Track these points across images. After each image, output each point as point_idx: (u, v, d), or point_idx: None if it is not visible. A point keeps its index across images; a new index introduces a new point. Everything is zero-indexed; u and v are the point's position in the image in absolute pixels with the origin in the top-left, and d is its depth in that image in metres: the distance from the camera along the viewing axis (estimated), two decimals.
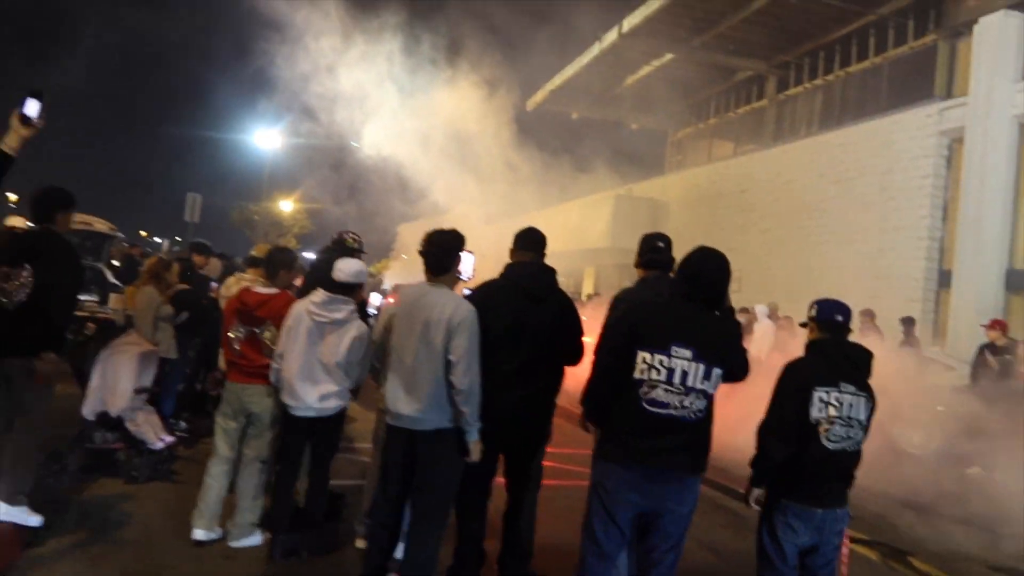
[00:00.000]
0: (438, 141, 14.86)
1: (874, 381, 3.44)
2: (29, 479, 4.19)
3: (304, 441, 4.36)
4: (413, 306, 3.62)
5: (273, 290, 4.50)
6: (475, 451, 3.55)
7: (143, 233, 66.83)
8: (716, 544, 5.37)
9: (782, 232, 16.83)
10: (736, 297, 13.69)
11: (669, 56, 20.18)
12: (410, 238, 22.65)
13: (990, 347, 8.97)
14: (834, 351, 3.44)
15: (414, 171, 15.21)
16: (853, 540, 5.87)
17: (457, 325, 3.49)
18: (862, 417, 3.33)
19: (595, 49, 20.50)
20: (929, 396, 9.70)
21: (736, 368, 3.26)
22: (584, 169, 21.99)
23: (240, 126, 32.10)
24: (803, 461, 3.28)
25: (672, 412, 3.08)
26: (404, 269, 20.54)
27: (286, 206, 32.44)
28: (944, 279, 13.59)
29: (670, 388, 3.07)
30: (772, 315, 12.15)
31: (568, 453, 5.72)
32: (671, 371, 3.08)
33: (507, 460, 4.02)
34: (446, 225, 3.82)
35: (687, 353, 3.09)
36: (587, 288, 23.21)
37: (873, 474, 8.03)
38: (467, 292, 4.06)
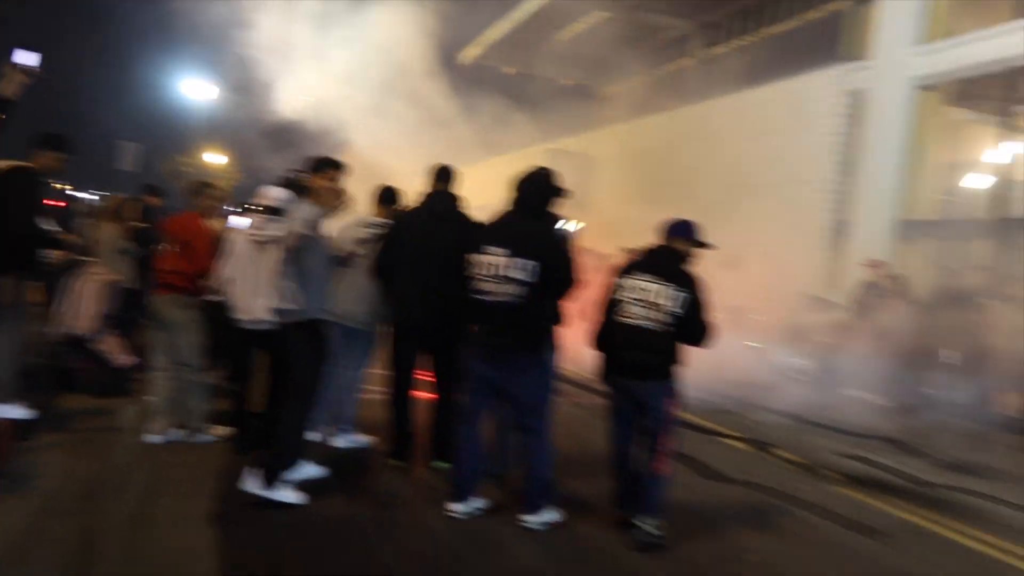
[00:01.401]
0: (370, 93, 15.22)
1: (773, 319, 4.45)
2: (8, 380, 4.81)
3: (249, 351, 4.79)
4: None
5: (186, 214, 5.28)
6: None
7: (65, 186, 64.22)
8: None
9: (705, 186, 17.82)
10: None
11: (601, 14, 20.85)
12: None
13: (870, 285, 10.15)
14: (648, 251, 4.27)
15: (344, 123, 15.52)
16: (729, 437, 6.95)
17: None
18: (663, 302, 4.02)
19: (529, 5, 21.02)
20: (818, 330, 10.94)
21: (554, 261, 4.05)
22: (515, 124, 22.61)
23: (166, 78, 31.40)
24: (610, 333, 4.16)
25: (495, 299, 4.00)
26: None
27: (215, 158, 32.30)
28: (844, 229, 14.83)
29: (489, 279, 4.01)
30: None
31: None
32: (490, 265, 4.02)
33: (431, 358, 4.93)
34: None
35: (502, 251, 4.01)
36: None
37: (760, 391, 9.26)
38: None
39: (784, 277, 12.63)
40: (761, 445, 6.73)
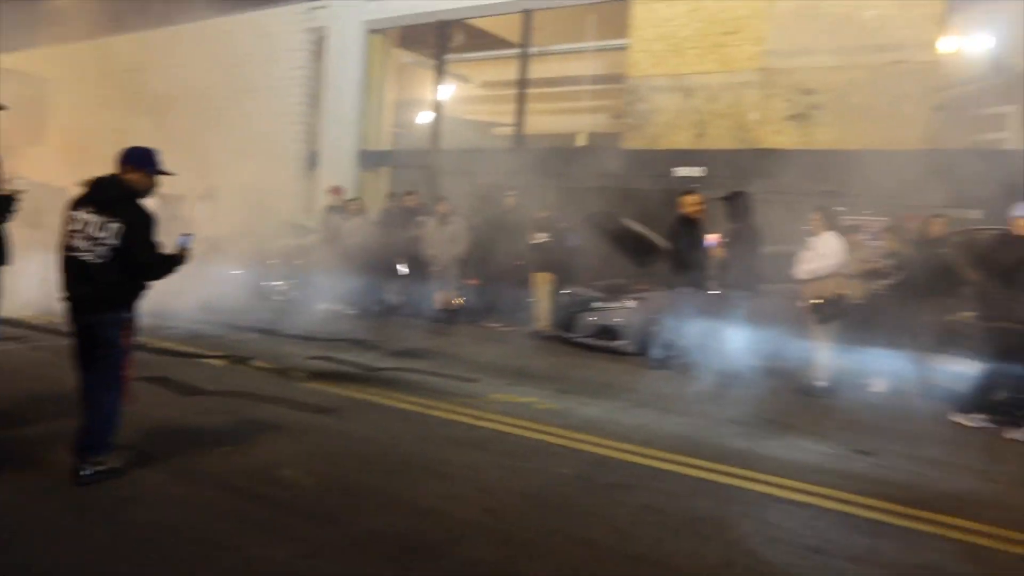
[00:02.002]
0: None
1: None
2: None
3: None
4: None
5: None
6: None
7: None
8: None
9: (174, 115, 17.17)
10: None
11: None
12: None
13: (333, 208, 11.32)
14: (94, 182, 4.12)
15: None
16: (209, 357, 7.32)
17: None
18: (101, 234, 3.95)
19: None
20: (295, 253, 11.79)
21: (131, 222, 3.99)
22: None
23: None
24: (63, 269, 4.06)
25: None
26: None
27: None
28: (314, 159, 15.95)
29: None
30: (159, 194, 12.76)
31: None
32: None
33: None
34: None
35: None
36: None
37: (241, 313, 9.75)
38: None
39: (263, 206, 13.17)
40: (240, 359, 7.26)
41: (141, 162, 4.18)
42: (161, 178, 4.27)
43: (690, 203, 7.99)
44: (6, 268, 4.80)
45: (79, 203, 4.09)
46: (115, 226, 3.97)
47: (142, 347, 7.37)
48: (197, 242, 4.57)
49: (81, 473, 3.94)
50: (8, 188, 4.74)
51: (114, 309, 4.09)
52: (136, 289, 4.17)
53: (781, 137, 11.51)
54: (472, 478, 4.34)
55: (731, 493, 4.33)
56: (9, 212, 4.67)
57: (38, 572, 3.04)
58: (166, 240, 4.20)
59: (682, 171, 12.09)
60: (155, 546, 3.25)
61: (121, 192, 4.08)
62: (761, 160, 11.42)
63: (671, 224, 8.10)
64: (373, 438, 5.02)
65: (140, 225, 4.05)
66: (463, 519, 3.72)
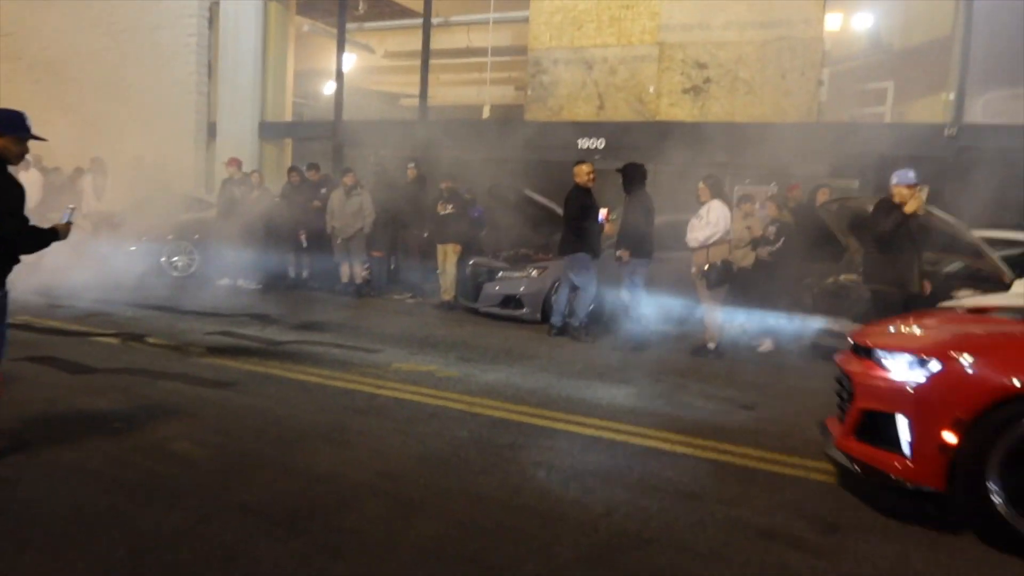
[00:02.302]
0: None
1: None
2: None
3: None
4: None
5: None
6: None
7: None
8: None
9: (57, 84, 16.25)
10: None
11: None
12: None
13: (231, 181, 11.05)
14: None
15: None
16: (101, 335, 7.11)
17: None
18: None
19: None
20: (194, 227, 11.47)
21: None
22: None
23: None
24: None
25: None
26: None
27: None
28: (212, 131, 15.43)
29: None
30: (40, 166, 12.13)
31: None
32: None
33: None
34: None
35: None
36: None
37: (138, 291, 9.48)
38: None
39: (159, 179, 12.71)
40: (134, 337, 7.07)
41: (8, 126, 3.86)
42: (34, 145, 4.07)
43: (584, 172, 8.19)
44: None
45: None
46: None
47: (27, 327, 7.11)
48: (87, 217, 4.43)
49: None
50: None
51: None
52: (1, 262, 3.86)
53: (677, 110, 11.88)
54: (369, 444, 4.42)
55: (620, 448, 4.57)
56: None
57: None
58: (54, 214, 4.08)
59: (584, 143, 12.33)
60: (38, 523, 3.21)
61: None
62: (658, 132, 11.77)
63: (567, 194, 8.29)
64: (270, 410, 5.02)
65: (2, 193, 3.78)
66: (357, 482, 3.81)
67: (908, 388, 3.55)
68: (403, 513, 3.48)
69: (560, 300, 8.38)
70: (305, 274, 11.15)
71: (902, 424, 3.55)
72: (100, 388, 5.34)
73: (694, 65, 11.76)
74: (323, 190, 10.77)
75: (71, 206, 4.23)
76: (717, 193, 7.64)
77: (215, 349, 6.76)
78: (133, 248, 10.95)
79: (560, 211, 9.34)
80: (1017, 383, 3.30)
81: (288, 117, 15.98)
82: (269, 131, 15.40)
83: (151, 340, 7.00)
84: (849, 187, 11.63)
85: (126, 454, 4.07)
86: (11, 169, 3.93)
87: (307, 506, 3.49)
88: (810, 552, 3.29)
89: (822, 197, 8.36)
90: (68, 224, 4.08)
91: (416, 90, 14.50)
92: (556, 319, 8.30)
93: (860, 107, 13.32)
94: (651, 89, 12.02)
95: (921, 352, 3.61)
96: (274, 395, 5.40)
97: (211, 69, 15.66)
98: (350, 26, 15.49)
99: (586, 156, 12.06)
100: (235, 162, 11.25)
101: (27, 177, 11.62)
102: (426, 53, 14.25)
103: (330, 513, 3.43)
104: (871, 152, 10.54)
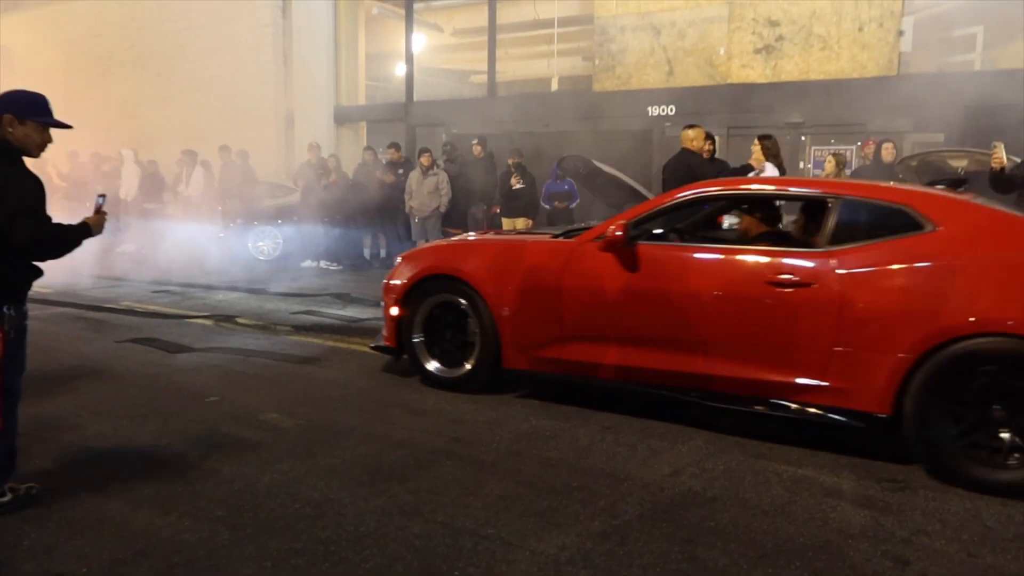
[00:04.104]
0: None
1: None
2: None
3: None
4: None
5: None
6: None
7: None
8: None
9: (144, 78, 17.10)
10: (105, 144, 13.80)
11: None
12: None
13: (310, 166, 11.47)
14: None
15: None
16: (195, 317, 7.56)
17: None
18: None
19: None
20: (277, 212, 11.95)
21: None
22: None
23: None
24: None
25: None
26: None
27: None
28: (290, 118, 15.95)
29: None
30: (137, 160, 12.86)
31: None
32: None
33: None
34: None
35: None
36: None
37: (229, 274, 9.98)
38: None
39: (244, 167, 13.24)
40: (225, 318, 7.51)
41: (30, 110, 3.20)
42: (131, 138, 3.93)
43: (692, 137, 7.14)
44: None
45: None
46: None
47: (131, 311, 7.66)
48: (185, 205, 4.48)
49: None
50: None
51: None
52: (16, 275, 3.22)
53: (749, 71, 11.62)
54: (443, 412, 4.63)
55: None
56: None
57: None
58: (151, 206, 4.33)
59: (654, 110, 12.22)
60: (149, 480, 3.53)
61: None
62: (730, 95, 11.56)
63: (673, 162, 7.20)
64: (351, 382, 5.30)
65: (15, 191, 3.11)
66: (433, 448, 4.02)
67: (390, 283, 5.29)
68: (475, 475, 3.66)
69: None
70: (383, 253, 11.50)
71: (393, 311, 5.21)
72: (196, 366, 5.74)
73: (766, 23, 11.46)
74: (400, 170, 11.05)
75: (102, 193, 3.67)
76: (772, 156, 7.06)
77: (300, 327, 7.11)
78: (222, 235, 11.53)
79: (632, 182, 9.34)
80: (435, 269, 5.07)
81: (362, 101, 16.37)
82: (344, 115, 15.83)
83: (241, 321, 7.42)
84: (935, 141, 11.16)
85: (221, 423, 4.40)
86: (131, 161, 3.18)
87: (387, 468, 3.72)
88: (876, 509, 3.31)
89: (887, 154, 8.07)
90: (101, 215, 3.42)
91: (485, 66, 14.62)
92: None
93: (947, 56, 12.69)
94: (721, 51, 11.78)
95: (399, 256, 5.61)
96: (355, 369, 5.68)
97: (286, 58, 16.15)
98: (418, 6, 15.69)
99: (656, 124, 11.98)
100: (313, 147, 11.65)
101: (126, 170, 12.37)
102: (492, 28, 14.33)
103: (408, 474, 3.65)
104: (957, 103, 10.07)
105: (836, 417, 3.82)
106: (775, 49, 11.44)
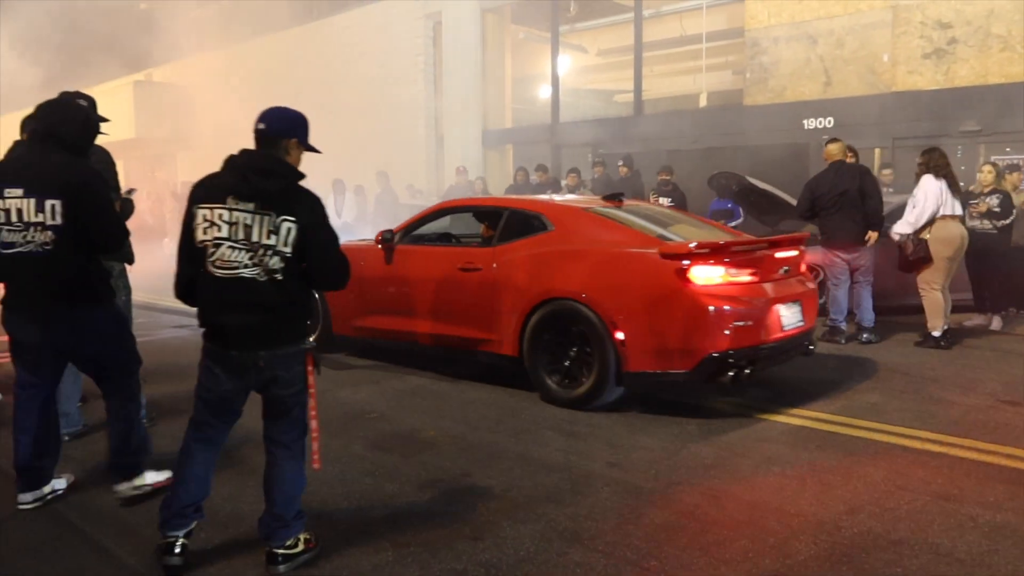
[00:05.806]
0: None
1: None
2: None
3: None
4: None
5: None
6: None
7: None
8: None
9: (307, 109, 18.17)
10: None
11: None
12: None
13: (454, 188, 11.78)
14: (240, 163, 2.84)
15: None
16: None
17: None
18: (265, 239, 2.75)
19: None
20: None
21: (77, 195, 3.32)
22: (90, 55, 20.46)
23: None
24: (199, 290, 2.88)
25: (19, 250, 3.32)
26: None
27: None
28: (440, 143, 16.50)
29: (10, 227, 3.31)
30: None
31: None
32: (6, 211, 3.31)
33: None
34: None
35: (18, 192, 3.30)
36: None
37: None
38: None
39: (398, 192, 13.78)
40: None
41: (291, 130, 2.95)
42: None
43: (835, 152, 7.24)
44: (129, 267, 4.78)
45: (213, 194, 2.81)
46: (286, 225, 2.77)
47: None
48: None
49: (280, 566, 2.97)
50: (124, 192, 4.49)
51: (294, 339, 2.92)
52: (309, 305, 3.07)
53: (917, 77, 10.85)
54: (599, 435, 4.55)
55: (858, 444, 4.30)
56: (129, 214, 4.28)
57: None
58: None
59: (810, 123, 11.66)
60: (313, 495, 3.67)
61: (287, 178, 2.84)
62: (895, 104, 10.86)
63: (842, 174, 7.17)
64: (504, 402, 5.32)
65: (319, 219, 2.88)
66: (589, 472, 3.94)
67: None
68: (634, 502, 3.55)
69: (838, 297, 7.24)
70: None
71: None
72: (357, 381, 5.97)
73: (935, 26, 10.66)
74: (549, 191, 11.13)
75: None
76: (930, 168, 6.73)
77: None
78: None
79: (786, 197, 8.92)
80: None
81: (508, 123, 16.65)
82: (491, 139, 16.17)
83: None
84: None
85: (382, 440, 4.53)
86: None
87: (543, 493, 3.68)
88: None
89: None
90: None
91: (630, 85, 14.50)
92: (840, 319, 7.24)
93: None
94: (885, 58, 11.08)
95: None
96: (507, 387, 5.71)
97: (436, 85, 16.74)
98: (563, 28, 15.83)
99: (812, 137, 11.42)
100: (461, 170, 11.97)
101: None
102: (639, 47, 14.20)
103: (565, 499, 3.59)
104: None
105: (496, 361, 5.60)
106: (947, 53, 10.62)
